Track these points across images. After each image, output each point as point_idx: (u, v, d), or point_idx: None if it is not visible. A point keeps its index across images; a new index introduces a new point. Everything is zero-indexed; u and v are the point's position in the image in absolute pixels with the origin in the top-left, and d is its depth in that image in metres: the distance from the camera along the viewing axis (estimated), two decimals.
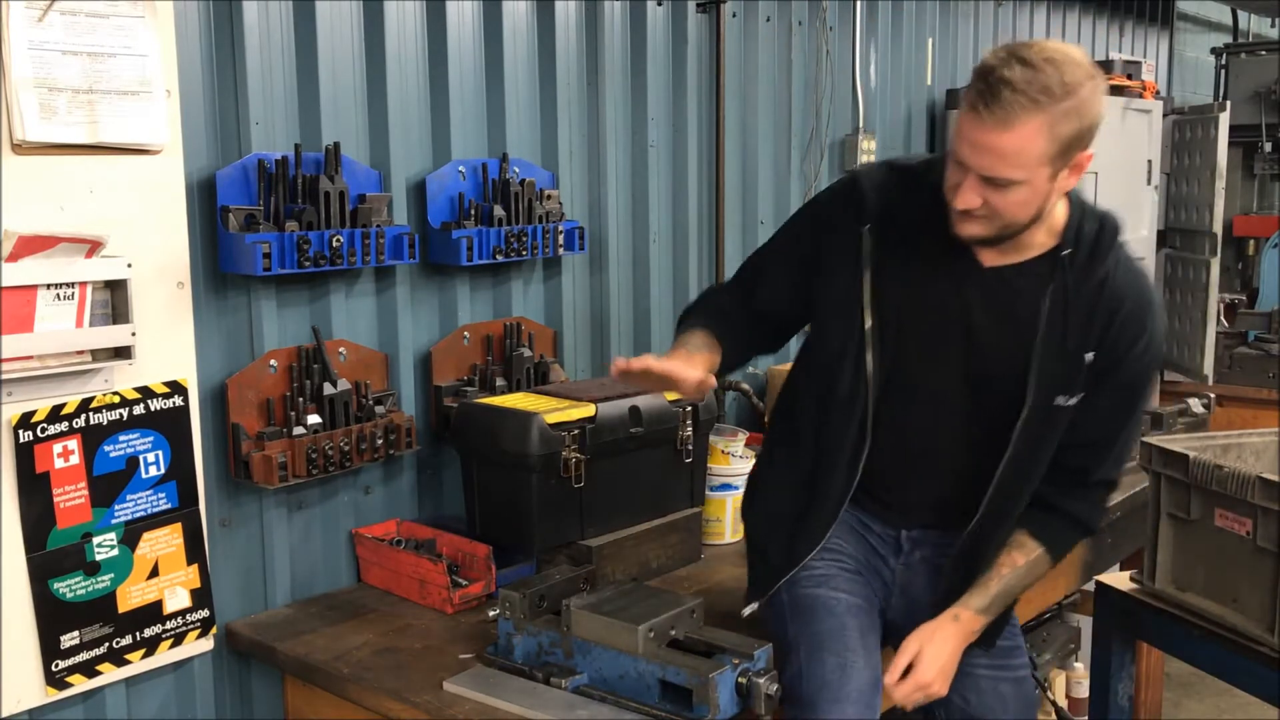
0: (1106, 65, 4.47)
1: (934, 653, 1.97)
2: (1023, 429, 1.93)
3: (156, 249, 2.14)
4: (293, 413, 2.35)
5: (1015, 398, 1.92)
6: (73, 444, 2.05)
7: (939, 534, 2.09)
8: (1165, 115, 4.68)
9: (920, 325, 1.96)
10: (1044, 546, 2.04)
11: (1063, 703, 3.70)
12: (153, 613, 2.19)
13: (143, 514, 2.16)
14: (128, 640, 2.15)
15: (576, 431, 2.43)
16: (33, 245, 1.94)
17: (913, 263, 1.94)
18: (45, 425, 2.02)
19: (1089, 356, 1.91)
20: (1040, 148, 1.72)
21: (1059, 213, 1.91)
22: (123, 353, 2.08)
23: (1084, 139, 1.76)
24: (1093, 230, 1.92)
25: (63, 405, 2.04)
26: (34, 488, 2.01)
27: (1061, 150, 1.74)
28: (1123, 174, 4.23)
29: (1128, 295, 1.91)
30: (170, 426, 2.18)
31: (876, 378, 1.96)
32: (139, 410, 2.13)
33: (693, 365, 1.92)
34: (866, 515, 2.13)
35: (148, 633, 2.18)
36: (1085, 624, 3.82)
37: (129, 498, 2.13)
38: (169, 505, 2.19)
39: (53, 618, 2.05)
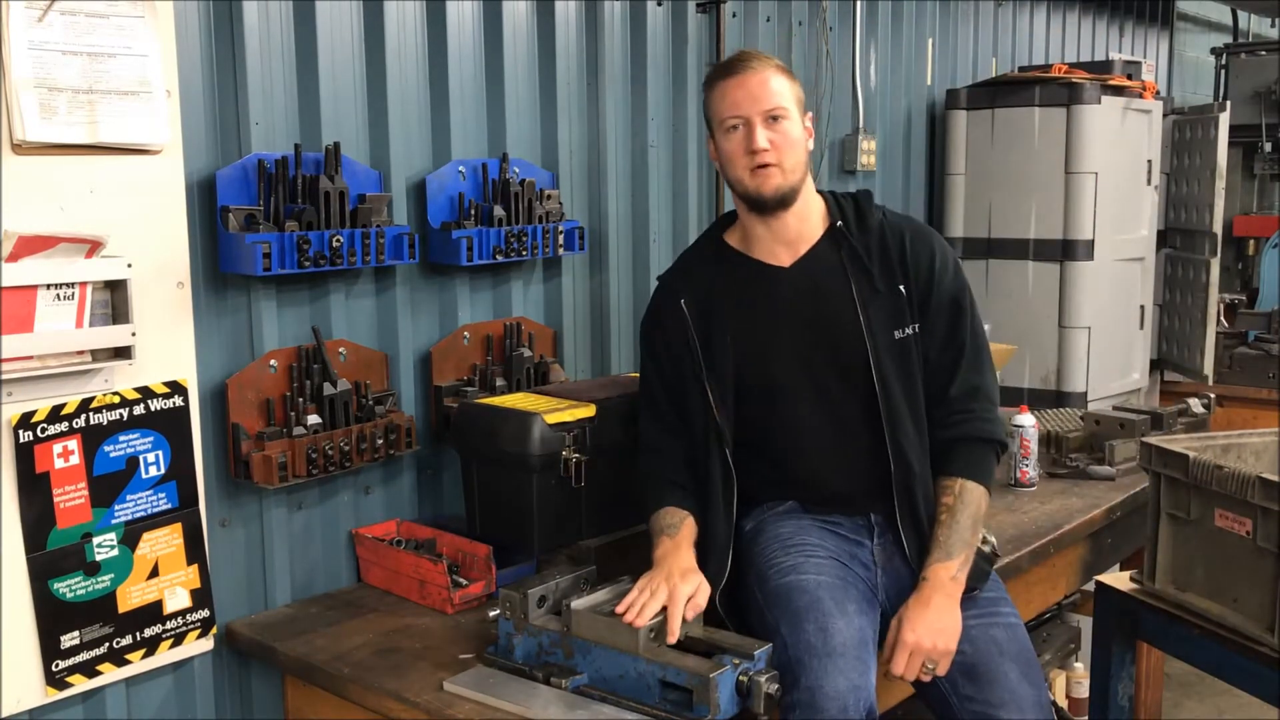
0: (1106, 65, 4.47)
1: (910, 615, 2.04)
2: (877, 370, 2.14)
3: (156, 249, 2.14)
4: (293, 413, 2.35)
5: (863, 349, 2.15)
6: (73, 444, 2.05)
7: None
8: (1165, 115, 4.68)
9: (761, 342, 2.19)
10: (960, 476, 2.16)
11: (1063, 703, 3.70)
12: (153, 613, 2.19)
13: (143, 514, 2.16)
14: (128, 640, 2.15)
15: (576, 431, 2.43)
16: (33, 245, 1.94)
17: (730, 300, 2.21)
18: (45, 425, 2.02)
19: (903, 289, 2.17)
20: (788, 86, 2.14)
21: (818, 203, 2.24)
22: (123, 353, 2.08)
23: (804, 101, 2.18)
24: (849, 203, 2.25)
25: (63, 405, 2.04)
26: (34, 488, 2.01)
27: (798, 99, 2.15)
28: (1123, 174, 4.23)
29: (904, 227, 2.23)
30: (170, 426, 2.18)
31: (727, 429, 2.18)
32: (139, 410, 2.13)
33: (682, 559, 2.09)
34: (828, 515, 2.21)
35: (148, 633, 2.18)
36: (1085, 624, 3.81)
37: (129, 498, 2.13)
38: (169, 505, 2.19)
39: (53, 618, 2.05)
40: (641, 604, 1.98)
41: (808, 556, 2.11)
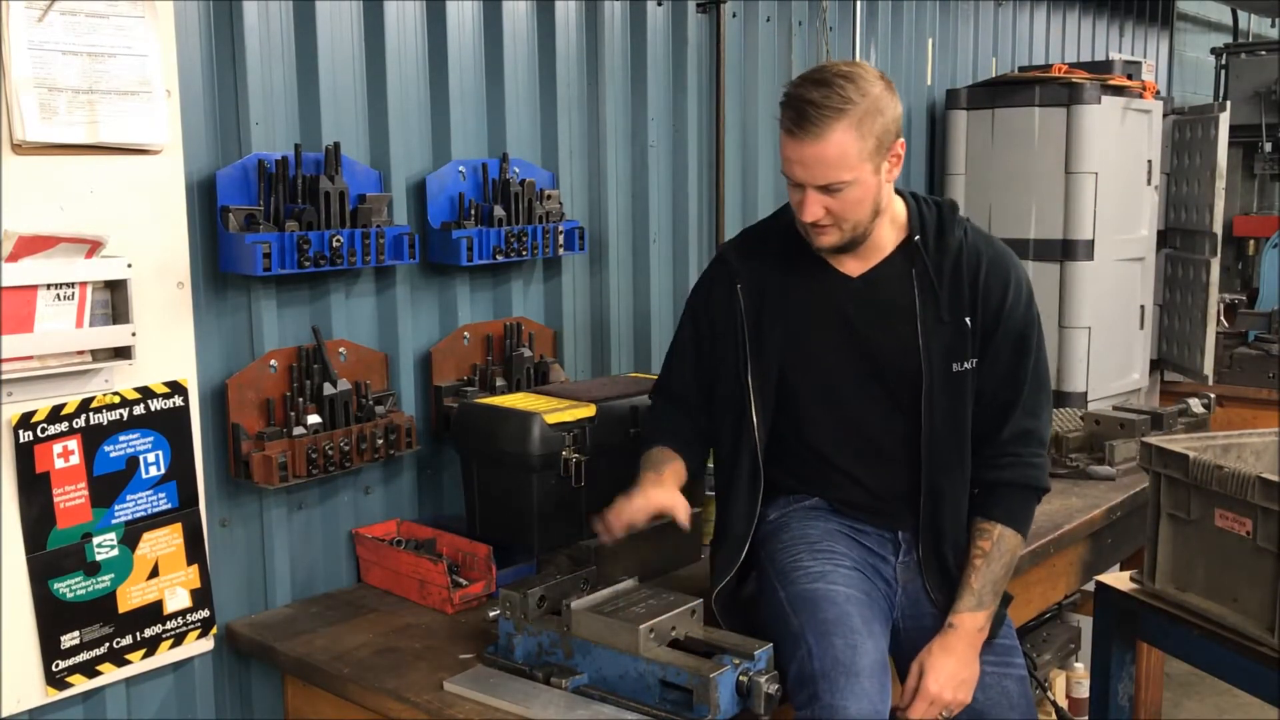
0: (1106, 65, 4.47)
1: (935, 664, 2.02)
2: (927, 400, 2.07)
3: (156, 249, 2.14)
4: (293, 413, 2.35)
5: (917, 377, 2.07)
6: (73, 444, 2.05)
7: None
8: (1165, 115, 4.67)
9: (812, 348, 2.12)
10: (1000, 522, 2.11)
11: (1063, 703, 3.70)
12: (153, 613, 2.19)
13: (143, 514, 2.16)
14: (128, 640, 2.15)
15: (576, 431, 2.43)
16: (33, 245, 1.94)
17: (789, 297, 2.13)
18: (45, 425, 2.02)
19: (969, 321, 2.08)
20: (855, 147, 1.93)
21: (899, 209, 2.12)
22: (123, 353, 2.08)
23: (890, 130, 1.98)
24: (932, 214, 2.13)
25: (63, 405, 2.04)
26: (34, 488, 2.01)
27: (875, 146, 1.96)
28: (1123, 174, 4.23)
29: (983, 255, 2.11)
30: (170, 426, 2.18)
31: (762, 426, 2.13)
32: (139, 410, 2.13)
33: (665, 487, 2.08)
34: (855, 522, 2.18)
35: (148, 633, 2.18)
36: (1085, 624, 3.82)
37: (129, 498, 2.13)
38: (169, 505, 2.19)
39: (53, 618, 2.05)
40: (616, 509, 2.01)
41: (836, 565, 2.08)
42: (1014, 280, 2.12)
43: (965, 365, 2.08)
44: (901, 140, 2.02)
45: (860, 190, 1.98)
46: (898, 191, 2.13)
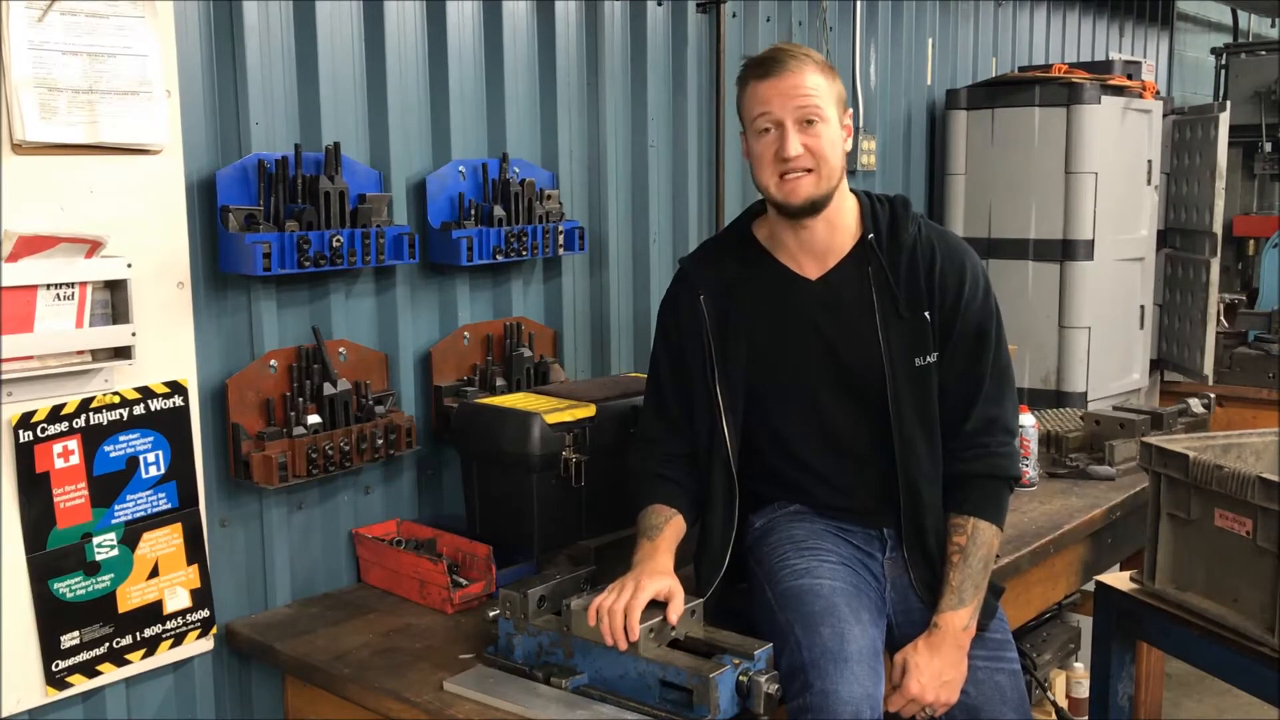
0: (1106, 65, 4.47)
1: (919, 663, 2.02)
2: (893, 395, 2.08)
3: (156, 249, 2.14)
4: (293, 413, 2.35)
5: (880, 374, 2.09)
6: (73, 444, 2.05)
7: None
8: (1165, 115, 4.67)
9: (778, 352, 2.13)
10: (973, 515, 2.11)
11: (1063, 703, 3.69)
12: (153, 613, 2.19)
13: (143, 514, 2.16)
14: (128, 640, 2.15)
15: (576, 431, 2.43)
16: (33, 245, 1.94)
17: (751, 304, 2.14)
18: (45, 425, 2.02)
19: (928, 315, 2.09)
20: (825, 85, 2.03)
21: (852, 207, 2.13)
22: (123, 353, 2.08)
23: (844, 96, 2.09)
24: (885, 211, 2.14)
25: (63, 405, 2.04)
26: (34, 488, 2.01)
27: (838, 99, 2.06)
28: (1123, 174, 4.23)
29: (937, 249, 2.12)
30: (170, 426, 2.18)
31: (734, 436, 2.13)
32: (139, 410, 2.14)
33: (659, 573, 2.02)
34: (839, 522, 2.18)
35: (148, 633, 2.18)
36: (1085, 624, 3.82)
37: (129, 498, 2.13)
38: (169, 505, 2.19)
39: (53, 618, 2.05)
40: (609, 606, 1.94)
41: (822, 561, 2.09)
42: (970, 272, 2.12)
43: (927, 360, 2.09)
44: (850, 112, 2.12)
45: (833, 133, 2.03)
46: (851, 190, 2.15)
